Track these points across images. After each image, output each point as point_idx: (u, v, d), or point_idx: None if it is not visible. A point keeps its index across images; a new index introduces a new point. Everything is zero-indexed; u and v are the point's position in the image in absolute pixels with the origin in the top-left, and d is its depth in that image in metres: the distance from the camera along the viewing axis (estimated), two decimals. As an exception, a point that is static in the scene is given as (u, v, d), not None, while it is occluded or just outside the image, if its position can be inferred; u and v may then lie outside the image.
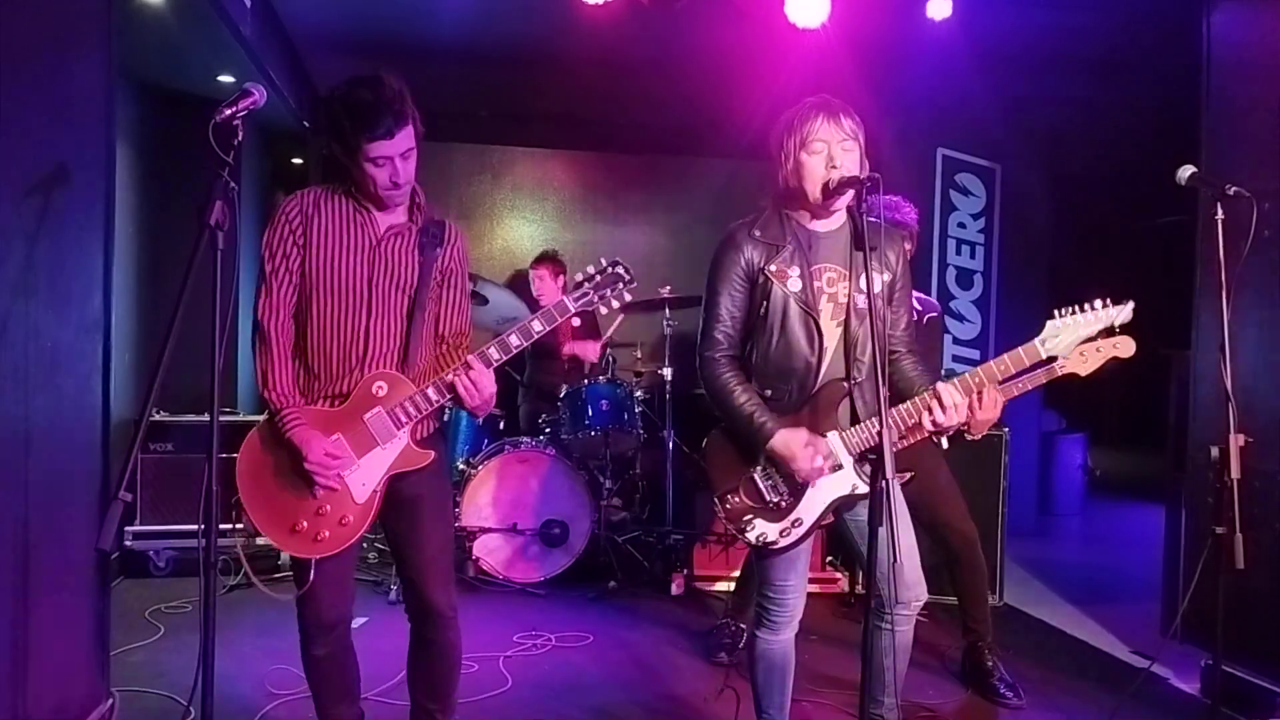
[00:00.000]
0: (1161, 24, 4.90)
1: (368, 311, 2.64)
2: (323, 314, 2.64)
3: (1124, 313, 2.71)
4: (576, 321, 6.52)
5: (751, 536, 2.71)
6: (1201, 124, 4.01)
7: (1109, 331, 2.75)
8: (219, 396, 2.20)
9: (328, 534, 2.58)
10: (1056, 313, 2.75)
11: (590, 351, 6.18)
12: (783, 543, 2.71)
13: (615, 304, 2.66)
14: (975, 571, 3.96)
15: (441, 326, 2.80)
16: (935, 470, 3.87)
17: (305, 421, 2.57)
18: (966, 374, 2.70)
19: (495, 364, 2.59)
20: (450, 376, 2.57)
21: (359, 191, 2.65)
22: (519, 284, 7.37)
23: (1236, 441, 2.78)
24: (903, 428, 2.67)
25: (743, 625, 4.07)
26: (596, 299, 2.64)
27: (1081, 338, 2.73)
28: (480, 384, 2.56)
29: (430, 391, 2.59)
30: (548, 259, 6.52)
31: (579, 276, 2.67)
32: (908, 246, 3.80)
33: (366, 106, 2.47)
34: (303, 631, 2.75)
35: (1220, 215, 2.85)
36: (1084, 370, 2.75)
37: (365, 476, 2.61)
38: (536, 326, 2.59)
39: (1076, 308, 2.72)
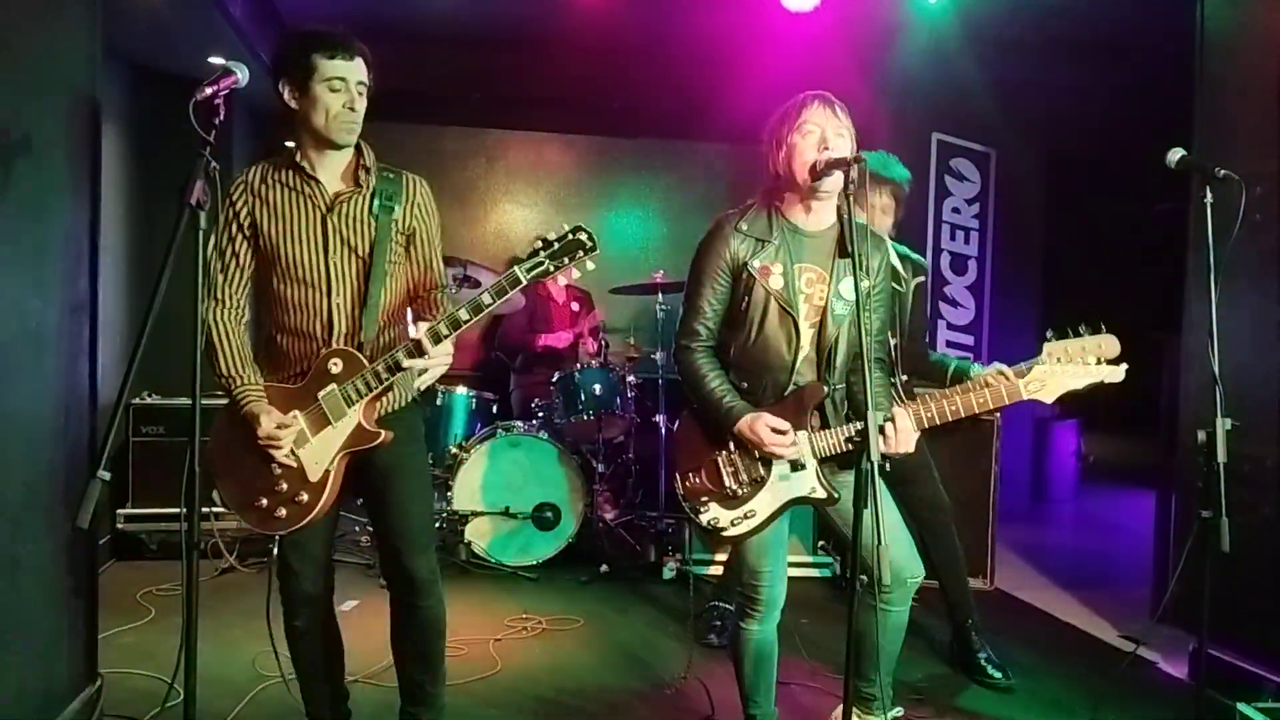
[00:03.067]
0: (1155, 7, 4.88)
1: (327, 285, 2.64)
2: (283, 293, 2.65)
3: (1116, 373, 2.67)
4: (576, 306, 6.52)
5: (704, 519, 2.75)
6: (1194, 107, 4.00)
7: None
8: (205, 377, 2.20)
9: (284, 511, 2.61)
10: (1046, 355, 2.71)
11: (562, 340, 6.16)
12: (732, 531, 2.74)
13: (576, 273, 2.56)
14: (948, 544, 3.86)
15: (413, 285, 2.79)
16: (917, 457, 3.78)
17: (258, 397, 2.59)
18: (934, 401, 2.69)
19: (445, 339, 2.53)
20: (401, 355, 2.54)
21: (306, 141, 2.64)
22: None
23: (1223, 425, 2.78)
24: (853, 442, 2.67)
25: (730, 607, 4.04)
26: (552, 267, 2.52)
27: (1067, 389, 2.72)
28: (427, 364, 2.53)
29: (380, 369, 2.56)
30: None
31: (537, 244, 2.55)
32: (886, 201, 3.72)
33: (323, 32, 2.54)
34: (284, 604, 2.79)
35: (1209, 199, 2.84)
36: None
37: (318, 455, 2.61)
38: (486, 299, 2.51)
39: (1068, 349, 2.69)
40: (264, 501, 2.61)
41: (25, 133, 2.74)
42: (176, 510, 5.13)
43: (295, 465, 2.60)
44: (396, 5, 5.78)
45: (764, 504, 2.72)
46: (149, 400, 5.19)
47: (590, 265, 2.56)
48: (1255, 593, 3.53)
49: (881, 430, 2.60)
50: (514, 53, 6.47)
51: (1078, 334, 2.70)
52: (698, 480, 2.76)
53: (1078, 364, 2.68)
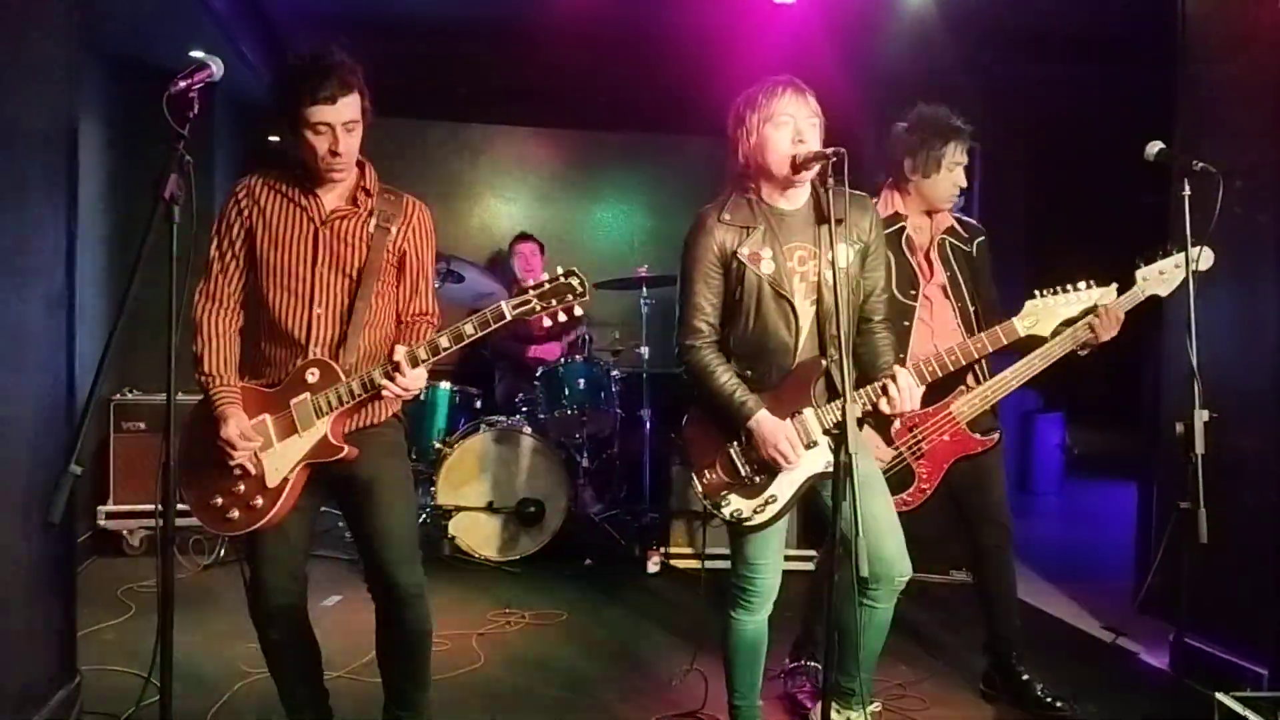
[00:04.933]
0: (1138, 1, 4.89)
1: (311, 297, 2.63)
2: (269, 299, 2.64)
3: (1108, 294, 2.78)
4: (548, 322, 6.48)
5: (726, 512, 2.72)
6: (1176, 101, 4.02)
7: (1089, 312, 2.83)
8: (183, 372, 2.19)
9: (237, 514, 2.59)
10: (1037, 293, 2.82)
11: (551, 353, 6.14)
12: (756, 519, 2.72)
13: (562, 316, 2.61)
14: (1007, 569, 3.50)
15: (400, 309, 2.78)
16: (996, 453, 3.39)
17: (234, 400, 2.58)
18: (935, 354, 2.76)
19: (424, 364, 2.56)
20: (378, 375, 2.55)
21: (304, 170, 2.63)
22: (498, 264, 7.35)
23: (1201, 417, 2.80)
24: (869, 406, 2.67)
25: (816, 663, 3.57)
26: (540, 308, 2.58)
27: (1062, 318, 2.83)
28: (402, 383, 2.54)
29: (354, 385, 2.57)
30: (528, 237, 6.53)
31: (530, 282, 2.62)
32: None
33: (310, 71, 2.48)
34: (255, 619, 2.76)
35: (1187, 191, 2.85)
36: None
37: (280, 462, 2.60)
38: (468, 330, 2.56)
39: (1059, 288, 2.78)
40: (219, 501, 2.60)
41: (2, 126, 2.72)
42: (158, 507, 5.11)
43: (255, 469, 2.58)
44: (380, -1, 5.76)
45: (784, 486, 2.71)
46: (130, 396, 5.16)
47: (579, 311, 2.63)
48: (1234, 583, 3.55)
49: (885, 391, 2.63)
50: (498, 46, 6.43)
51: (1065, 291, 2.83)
52: (714, 475, 2.74)
53: (1069, 292, 2.82)
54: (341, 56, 2.51)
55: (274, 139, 7.89)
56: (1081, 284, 2.84)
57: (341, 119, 2.51)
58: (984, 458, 3.31)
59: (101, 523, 5.10)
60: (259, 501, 2.58)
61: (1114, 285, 2.86)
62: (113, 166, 5.54)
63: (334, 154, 2.54)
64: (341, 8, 5.86)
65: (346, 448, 2.61)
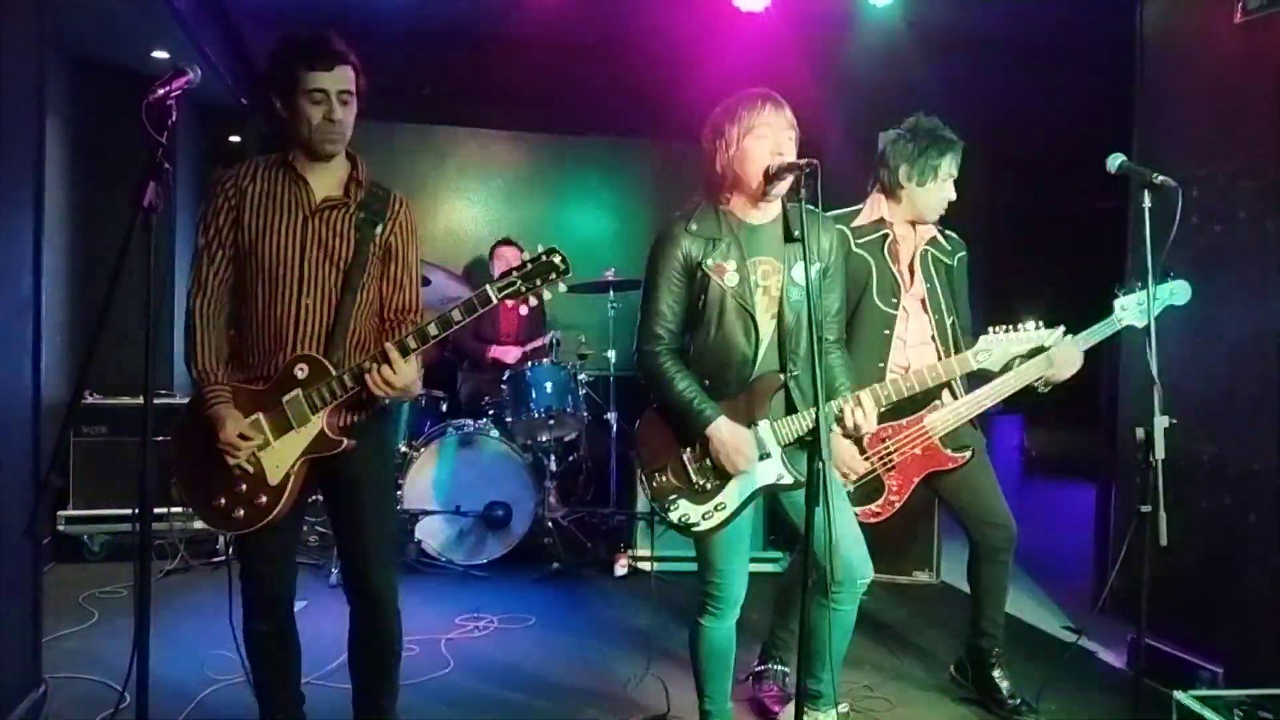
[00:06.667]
0: (1097, 12, 4.99)
1: (299, 287, 2.61)
2: (255, 288, 2.61)
3: (1055, 336, 2.91)
4: (524, 310, 6.48)
5: (674, 516, 2.77)
6: (1134, 111, 4.11)
7: (1038, 350, 2.94)
8: (154, 379, 2.18)
9: (242, 513, 2.58)
10: (991, 329, 2.92)
11: (511, 355, 6.14)
12: (704, 525, 2.76)
13: (546, 294, 2.60)
14: (1004, 571, 3.58)
15: (385, 304, 2.76)
16: (980, 462, 3.49)
17: (227, 399, 2.56)
18: (890, 380, 2.84)
19: (413, 352, 2.54)
20: (367, 364, 2.53)
21: (296, 148, 2.61)
22: (475, 270, 7.33)
23: (1161, 423, 2.87)
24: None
25: (787, 669, 3.58)
26: (524, 288, 2.57)
27: (1013, 355, 2.95)
28: (390, 377, 2.51)
29: (346, 378, 2.56)
30: (509, 242, 6.52)
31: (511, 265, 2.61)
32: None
33: (308, 40, 2.49)
34: (245, 606, 2.75)
35: (1147, 203, 2.92)
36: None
37: (279, 459, 2.59)
38: (456, 316, 2.54)
39: (1010, 326, 2.88)
40: (222, 501, 2.58)
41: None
42: (119, 511, 5.06)
43: (255, 468, 2.58)
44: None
45: (733, 495, 2.75)
46: (90, 400, 5.09)
47: (562, 288, 2.59)
48: (1191, 585, 3.64)
49: (843, 411, 2.69)
50: (465, 49, 6.42)
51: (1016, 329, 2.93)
52: (665, 479, 2.77)
53: (1019, 331, 2.93)
54: (335, 35, 2.53)
55: (235, 139, 7.85)
56: (1030, 323, 2.94)
57: (337, 86, 2.51)
58: (968, 466, 3.38)
59: (61, 528, 5.03)
60: (263, 499, 2.58)
61: (1061, 328, 2.97)
62: (71, 165, 5.47)
63: (330, 121, 2.53)
64: (305, 8, 5.81)
65: (344, 440, 2.61)
